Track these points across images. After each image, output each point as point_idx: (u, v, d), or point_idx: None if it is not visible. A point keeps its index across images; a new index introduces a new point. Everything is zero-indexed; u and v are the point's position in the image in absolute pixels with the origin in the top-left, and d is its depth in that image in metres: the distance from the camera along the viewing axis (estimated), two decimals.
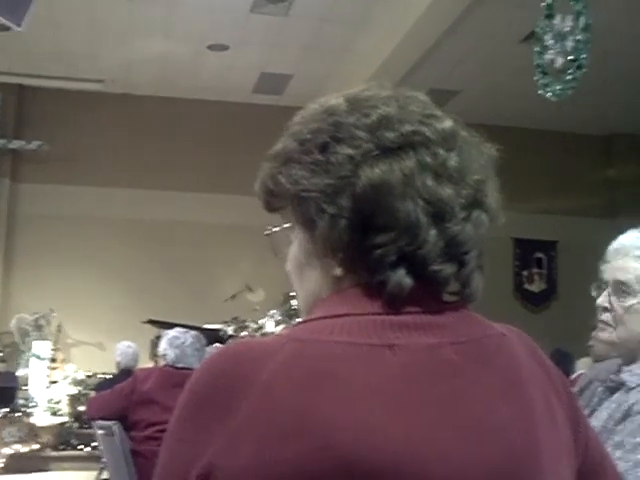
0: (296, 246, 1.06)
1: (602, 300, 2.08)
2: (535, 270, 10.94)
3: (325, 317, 0.97)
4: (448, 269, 0.98)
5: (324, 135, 1.01)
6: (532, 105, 7.21)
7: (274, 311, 7.17)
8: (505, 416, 0.94)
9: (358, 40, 8.48)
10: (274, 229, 1.12)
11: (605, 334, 2.10)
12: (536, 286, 10.91)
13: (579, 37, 3.76)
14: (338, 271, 1.00)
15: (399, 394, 0.90)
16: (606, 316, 2.08)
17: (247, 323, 7.70)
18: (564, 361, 7.22)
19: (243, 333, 7.40)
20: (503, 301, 10.12)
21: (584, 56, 3.79)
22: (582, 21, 3.76)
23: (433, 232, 0.97)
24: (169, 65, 9.41)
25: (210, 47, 8.94)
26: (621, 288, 2.04)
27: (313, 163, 1.00)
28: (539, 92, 4.40)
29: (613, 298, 2.06)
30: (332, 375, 0.89)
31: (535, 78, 4.30)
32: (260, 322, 7.35)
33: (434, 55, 7.99)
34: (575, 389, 2.21)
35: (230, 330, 7.70)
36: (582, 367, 5.13)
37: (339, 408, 0.87)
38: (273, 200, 1.08)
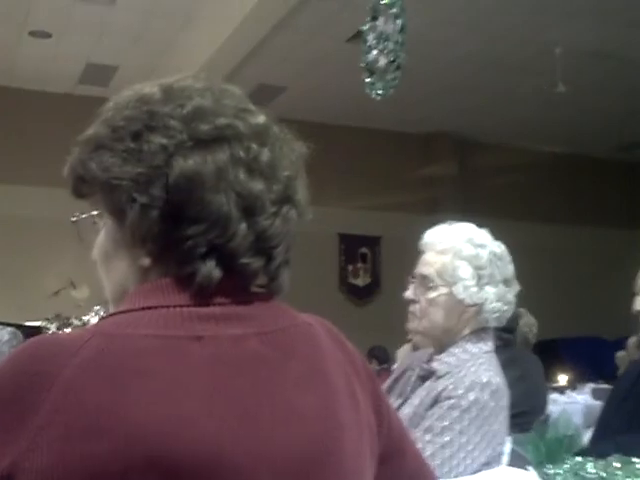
0: (104, 235, 1.05)
1: (409, 293, 2.20)
2: (360, 265, 11.22)
3: (132, 310, 0.96)
4: (257, 262, 0.99)
5: (137, 123, 1.00)
6: (357, 103, 7.40)
7: (98, 307, 7.01)
8: (309, 404, 0.97)
9: (186, 33, 8.40)
10: (81, 216, 1.09)
11: (413, 324, 2.21)
12: (361, 280, 11.19)
13: (397, 39, 3.89)
14: (146, 261, 0.99)
15: (206, 386, 0.91)
16: (414, 307, 2.19)
17: (71, 320, 7.49)
18: (382, 355, 7.51)
19: (67, 330, 7.20)
20: (329, 295, 10.33)
21: (402, 56, 3.92)
22: (399, 23, 3.89)
23: (243, 226, 0.97)
24: None
25: (32, 34, 8.57)
26: (425, 282, 2.16)
27: (125, 151, 0.99)
28: (365, 91, 4.52)
29: (418, 291, 2.17)
30: (139, 369, 0.89)
31: (362, 77, 4.42)
32: (85, 319, 7.17)
33: (262, 51, 8.03)
34: (391, 378, 2.31)
35: (53, 327, 7.46)
36: (401, 355, 5.36)
37: (146, 403, 0.87)
38: (82, 186, 1.05)
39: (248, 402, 0.93)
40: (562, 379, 7.40)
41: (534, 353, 5.18)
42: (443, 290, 2.12)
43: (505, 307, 2.15)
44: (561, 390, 6.92)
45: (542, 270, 10.91)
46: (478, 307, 2.12)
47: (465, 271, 2.10)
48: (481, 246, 2.14)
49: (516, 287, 2.18)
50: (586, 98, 9.80)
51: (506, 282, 2.15)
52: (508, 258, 2.18)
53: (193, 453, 0.87)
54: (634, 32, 8.09)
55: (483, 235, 2.18)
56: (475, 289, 2.11)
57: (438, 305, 2.13)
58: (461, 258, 2.11)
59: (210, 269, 0.96)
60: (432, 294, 2.14)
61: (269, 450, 0.92)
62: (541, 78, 8.62)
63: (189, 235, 0.96)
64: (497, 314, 2.14)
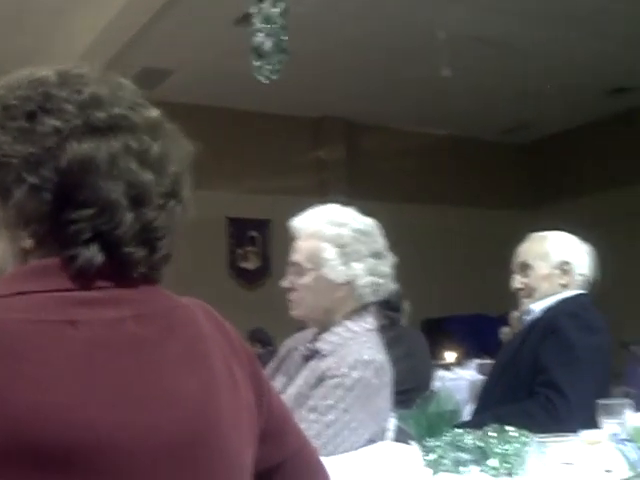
0: None
1: (286, 282, 2.23)
2: (249, 248, 11.19)
3: (6, 295, 0.94)
4: (140, 252, 1.00)
5: (32, 104, 0.99)
6: (246, 87, 7.36)
7: None
8: (189, 385, 0.98)
9: (67, 17, 8.15)
10: None
11: (294, 312, 2.24)
12: (251, 264, 11.18)
13: (279, 22, 3.90)
14: (28, 243, 0.99)
15: (82, 370, 0.90)
16: (292, 295, 2.22)
17: None
18: (265, 338, 7.53)
19: None
20: (218, 279, 10.28)
21: (285, 39, 3.93)
22: (281, 6, 3.90)
23: (130, 215, 0.98)
24: None
25: None
26: (297, 268, 2.19)
27: (17, 130, 0.98)
28: (253, 74, 4.51)
29: (294, 278, 2.21)
30: (11, 354, 0.87)
31: (251, 61, 4.40)
32: None
33: (147, 34, 7.87)
34: (276, 359, 2.33)
35: None
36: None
37: (19, 389, 0.86)
38: None
39: (127, 385, 0.93)
40: (449, 356, 7.59)
41: (423, 331, 5.30)
42: (313, 274, 2.17)
43: (380, 280, 2.19)
44: (447, 367, 7.10)
45: (431, 251, 11.17)
46: (350, 284, 2.16)
47: (330, 252, 2.15)
48: (342, 225, 2.18)
49: (390, 259, 2.22)
50: (471, 82, 10.03)
51: (376, 255, 2.19)
52: (376, 232, 2.22)
53: (68, 438, 0.86)
54: (515, 19, 8.33)
55: (345, 214, 2.22)
56: (342, 268, 2.15)
57: (312, 289, 2.17)
58: (324, 240, 2.16)
59: (92, 254, 0.96)
60: (305, 279, 2.18)
61: (150, 432, 0.92)
62: (427, 63, 8.77)
63: (76, 219, 0.96)
64: (372, 288, 2.18)
